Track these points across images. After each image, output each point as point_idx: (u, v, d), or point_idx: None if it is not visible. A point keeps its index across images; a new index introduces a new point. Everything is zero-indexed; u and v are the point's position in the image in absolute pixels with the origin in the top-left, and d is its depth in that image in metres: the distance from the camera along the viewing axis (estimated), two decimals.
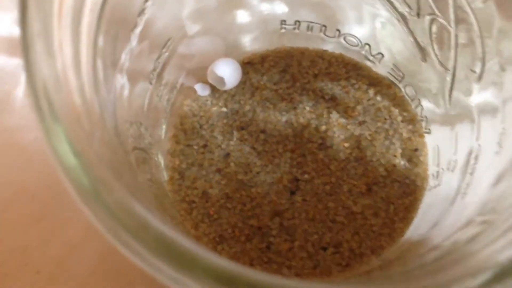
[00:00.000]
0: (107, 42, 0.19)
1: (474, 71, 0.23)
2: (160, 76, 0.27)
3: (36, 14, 0.13)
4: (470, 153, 0.25)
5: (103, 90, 0.18)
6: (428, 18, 0.25)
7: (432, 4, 0.24)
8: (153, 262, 0.15)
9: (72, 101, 0.15)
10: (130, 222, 0.15)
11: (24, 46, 0.14)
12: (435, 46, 0.26)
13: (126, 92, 0.22)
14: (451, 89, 0.26)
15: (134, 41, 0.22)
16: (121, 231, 0.15)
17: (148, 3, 0.22)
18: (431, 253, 0.21)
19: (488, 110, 0.23)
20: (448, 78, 0.26)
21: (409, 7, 0.25)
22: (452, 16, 0.23)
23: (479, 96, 0.24)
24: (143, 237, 0.15)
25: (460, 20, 0.23)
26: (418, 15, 0.25)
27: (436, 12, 0.24)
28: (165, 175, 0.31)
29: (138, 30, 0.22)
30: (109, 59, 0.19)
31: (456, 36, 0.24)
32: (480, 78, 0.23)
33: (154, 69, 0.26)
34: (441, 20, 0.24)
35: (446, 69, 0.26)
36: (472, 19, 0.22)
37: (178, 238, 0.15)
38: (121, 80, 0.21)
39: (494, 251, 0.17)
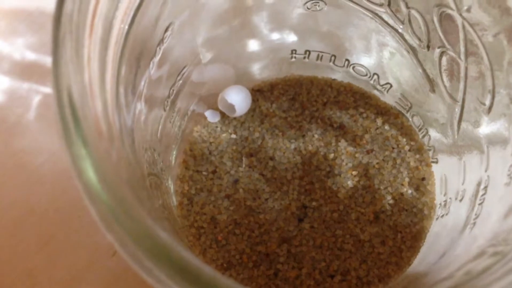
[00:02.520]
0: (129, 70, 0.19)
1: (483, 103, 0.24)
2: (173, 103, 0.27)
3: (69, 44, 0.14)
4: (479, 184, 0.25)
5: (124, 116, 0.18)
6: (438, 50, 0.25)
7: (442, 37, 0.24)
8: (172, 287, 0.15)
9: (98, 126, 0.15)
10: (152, 247, 0.15)
11: (55, 73, 0.14)
12: (444, 78, 0.26)
13: (142, 118, 0.22)
14: (460, 120, 0.26)
15: (153, 69, 0.22)
16: (142, 256, 0.15)
17: (168, 33, 0.23)
18: (444, 283, 0.21)
19: (498, 141, 0.24)
20: (457, 109, 0.26)
21: (419, 39, 0.26)
22: (462, 49, 0.23)
23: (488, 128, 0.24)
24: (164, 262, 0.15)
25: (470, 53, 0.23)
26: (428, 47, 0.26)
27: (447, 45, 0.24)
28: (174, 200, 0.31)
29: (157, 58, 0.22)
30: (130, 86, 0.19)
31: (466, 69, 0.24)
32: (489, 110, 0.23)
33: (168, 96, 0.26)
34: (451, 53, 0.24)
35: (455, 100, 0.26)
36: (482, 52, 0.22)
37: (199, 264, 0.15)
38: (139, 106, 0.21)
39: (509, 283, 0.17)
